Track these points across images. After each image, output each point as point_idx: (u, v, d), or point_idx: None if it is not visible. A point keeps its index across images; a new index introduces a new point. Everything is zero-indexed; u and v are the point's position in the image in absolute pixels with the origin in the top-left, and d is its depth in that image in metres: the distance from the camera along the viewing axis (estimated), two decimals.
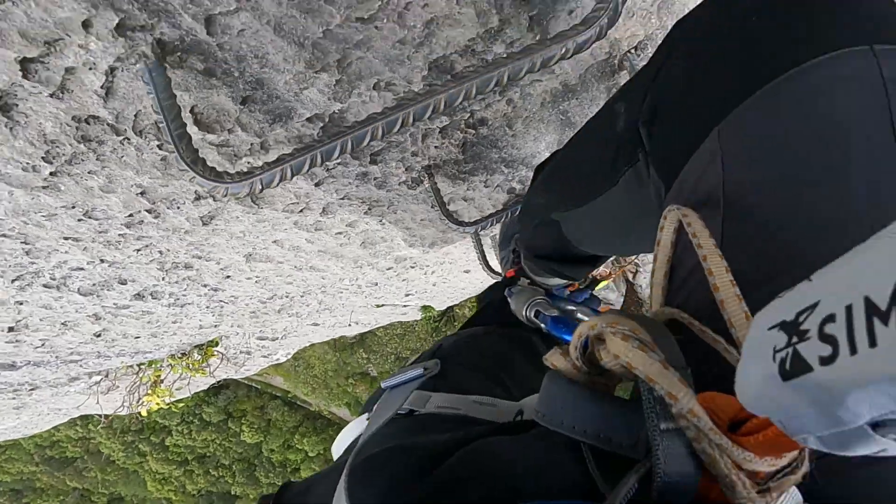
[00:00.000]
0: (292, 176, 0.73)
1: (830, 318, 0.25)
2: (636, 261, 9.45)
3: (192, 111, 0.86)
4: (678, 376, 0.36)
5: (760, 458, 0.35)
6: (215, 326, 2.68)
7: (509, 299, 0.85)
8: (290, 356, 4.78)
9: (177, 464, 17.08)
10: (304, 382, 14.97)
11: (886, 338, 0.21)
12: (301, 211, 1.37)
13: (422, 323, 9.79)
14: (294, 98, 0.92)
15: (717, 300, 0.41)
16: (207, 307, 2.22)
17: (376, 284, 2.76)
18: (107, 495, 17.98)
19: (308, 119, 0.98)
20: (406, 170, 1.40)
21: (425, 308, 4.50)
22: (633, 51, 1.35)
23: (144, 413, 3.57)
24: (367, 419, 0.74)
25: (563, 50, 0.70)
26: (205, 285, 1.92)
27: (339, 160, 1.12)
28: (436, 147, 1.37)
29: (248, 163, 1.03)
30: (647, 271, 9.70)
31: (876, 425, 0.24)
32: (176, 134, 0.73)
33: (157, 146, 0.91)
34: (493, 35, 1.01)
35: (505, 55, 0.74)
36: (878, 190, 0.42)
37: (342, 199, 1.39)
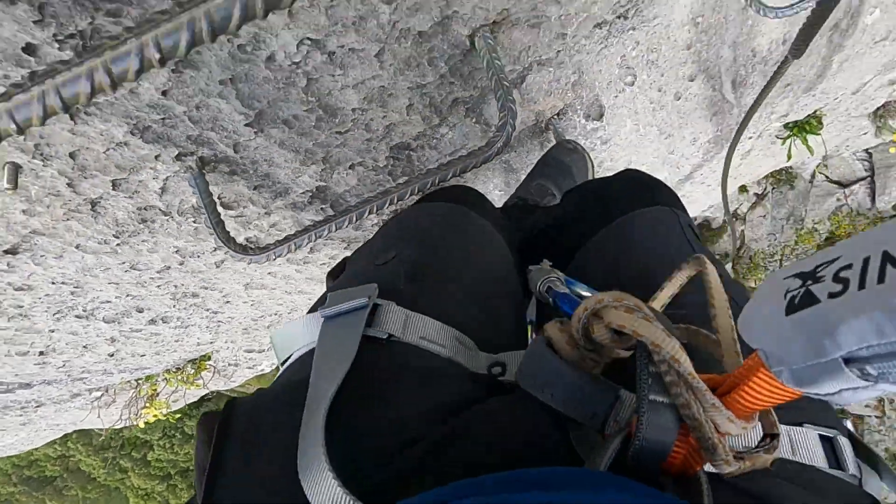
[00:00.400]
0: (296, 249, 1.11)
1: (847, 267, 0.29)
2: None
3: (218, 197, 1.23)
4: (678, 343, 0.42)
5: (738, 418, 0.41)
6: (211, 343, 3.03)
7: (528, 275, 0.85)
8: (273, 366, 5.07)
9: (159, 479, 17.20)
10: None
11: (895, 277, 0.25)
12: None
13: None
14: (291, 181, 1.29)
15: (715, 330, 0.52)
16: (207, 327, 2.58)
17: None
18: None
19: (301, 193, 1.36)
20: (378, 214, 1.78)
21: None
22: (555, 116, 1.74)
23: (142, 424, 3.88)
24: (320, 322, 0.65)
25: (475, 162, 1.08)
26: (207, 309, 2.28)
27: (321, 217, 1.50)
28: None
29: (256, 225, 1.41)
30: None
31: (848, 361, 0.28)
32: (214, 222, 1.10)
33: (193, 221, 1.28)
34: (439, 124, 1.39)
35: (445, 160, 1.12)
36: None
37: (326, 239, 1.76)
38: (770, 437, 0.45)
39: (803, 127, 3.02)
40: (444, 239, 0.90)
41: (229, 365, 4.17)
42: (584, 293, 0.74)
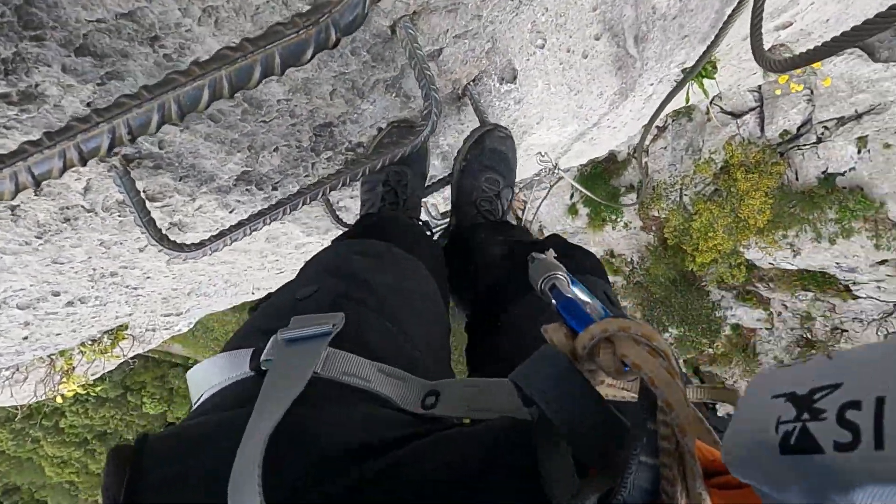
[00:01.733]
0: (232, 243, 1.13)
1: (854, 405, 0.25)
2: (523, 197, 10.01)
3: (143, 191, 1.23)
4: (694, 412, 0.38)
5: None
6: (129, 315, 2.97)
7: (530, 264, 0.76)
8: (191, 325, 4.99)
9: (75, 445, 16.63)
10: (204, 347, 14.86)
11: None
12: (217, 229, 1.74)
13: None
14: (217, 169, 1.30)
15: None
16: (126, 301, 2.53)
17: (277, 261, 3.13)
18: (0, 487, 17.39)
19: (227, 178, 1.36)
20: (300, 187, 1.79)
21: None
22: (471, 83, 1.79)
23: (60, 400, 3.78)
24: (252, 368, 0.67)
25: (404, 151, 1.13)
26: (127, 286, 2.23)
27: (247, 198, 1.52)
28: (324, 167, 1.77)
29: (181, 211, 1.40)
30: (533, 207, 10.23)
31: None
32: (144, 221, 1.11)
33: (118, 215, 1.27)
34: (361, 102, 1.42)
35: (369, 151, 1.17)
36: None
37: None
38: None
39: (699, 72, 3.19)
40: (366, 272, 0.91)
41: (147, 331, 4.09)
42: (585, 298, 0.66)
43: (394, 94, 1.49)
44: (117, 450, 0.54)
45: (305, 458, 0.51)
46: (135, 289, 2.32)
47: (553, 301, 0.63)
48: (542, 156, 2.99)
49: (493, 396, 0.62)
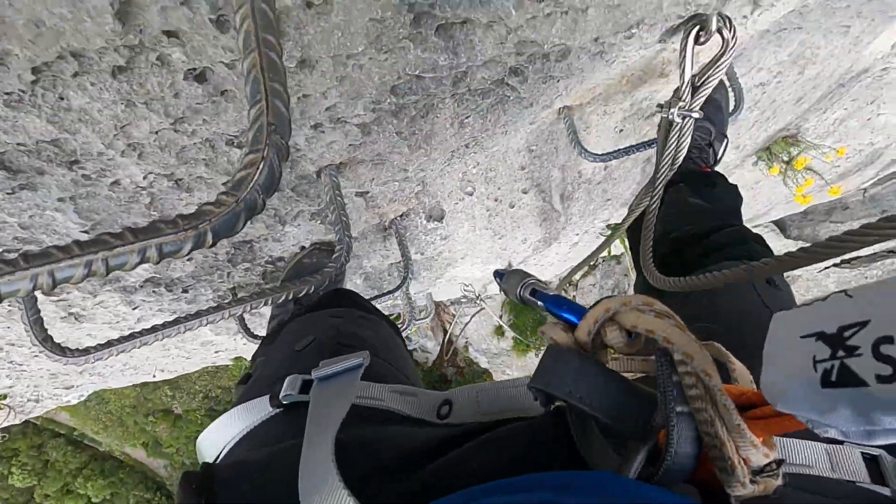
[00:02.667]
0: (118, 354, 1.12)
1: (887, 340, 0.27)
2: (453, 311, 10.06)
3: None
4: (710, 356, 0.41)
5: (762, 444, 0.39)
6: (10, 387, 2.79)
7: (499, 280, 0.78)
8: (83, 398, 4.68)
9: None
10: (95, 419, 13.78)
11: None
12: (118, 322, 1.71)
13: (235, 366, 9.57)
14: (124, 273, 1.30)
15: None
16: (7, 376, 2.39)
17: (181, 352, 3.03)
18: None
19: (133, 281, 1.36)
20: (214, 291, 1.80)
21: (237, 358, 4.73)
22: (398, 218, 1.88)
23: None
24: (275, 406, 0.75)
25: (309, 288, 1.17)
26: (11, 361, 2.12)
27: (153, 298, 1.51)
28: (240, 276, 1.78)
29: (80, 305, 1.38)
30: (461, 322, 10.26)
31: None
32: (31, 319, 1.09)
33: (7, 304, 1.24)
34: (283, 227, 1.47)
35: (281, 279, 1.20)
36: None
37: (157, 312, 1.75)
38: (776, 462, 0.42)
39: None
40: (345, 325, 1.08)
41: (28, 401, 3.82)
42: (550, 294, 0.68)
43: (318, 222, 1.55)
44: (189, 474, 0.60)
45: (360, 469, 0.55)
46: (20, 364, 2.20)
47: (539, 303, 0.66)
48: (467, 286, 3.10)
49: (499, 399, 0.68)
